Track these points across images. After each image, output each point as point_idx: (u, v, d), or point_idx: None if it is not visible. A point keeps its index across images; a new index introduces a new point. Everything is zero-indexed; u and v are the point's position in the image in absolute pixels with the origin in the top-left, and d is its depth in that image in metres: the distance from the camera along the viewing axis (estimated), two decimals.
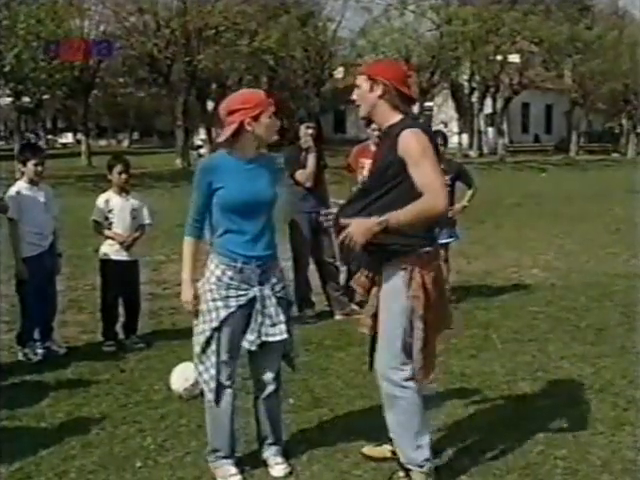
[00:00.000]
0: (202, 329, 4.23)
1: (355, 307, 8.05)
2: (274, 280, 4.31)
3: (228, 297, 4.20)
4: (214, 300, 4.20)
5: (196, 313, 4.25)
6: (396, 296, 4.08)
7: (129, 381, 6.13)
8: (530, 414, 5.22)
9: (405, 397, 4.13)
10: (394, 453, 4.48)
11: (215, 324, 4.19)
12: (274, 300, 4.27)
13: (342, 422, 5.16)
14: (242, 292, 4.21)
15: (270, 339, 4.26)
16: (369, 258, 4.21)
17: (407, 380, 4.11)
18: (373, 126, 7.99)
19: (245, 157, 4.26)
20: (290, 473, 4.40)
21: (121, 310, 7.29)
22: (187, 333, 7.24)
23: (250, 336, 4.25)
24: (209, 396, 4.30)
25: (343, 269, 8.32)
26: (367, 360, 4.47)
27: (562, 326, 7.50)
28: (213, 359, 4.23)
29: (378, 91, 4.09)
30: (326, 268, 8.04)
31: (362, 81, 4.15)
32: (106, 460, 4.65)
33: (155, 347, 7.06)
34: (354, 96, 4.20)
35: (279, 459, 4.48)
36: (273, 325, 4.26)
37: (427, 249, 4.07)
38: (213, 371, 4.24)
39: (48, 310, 6.93)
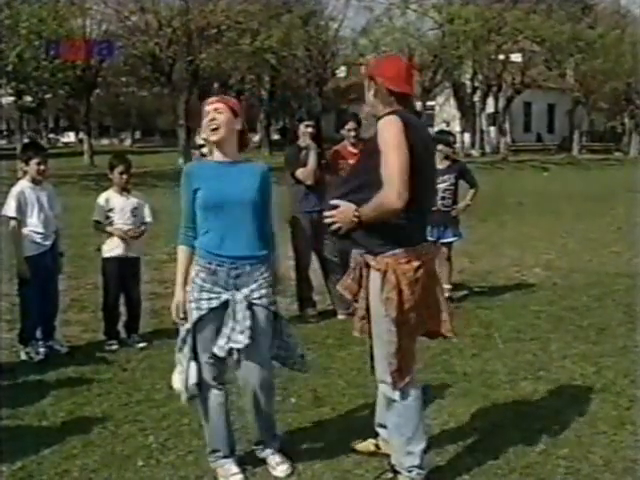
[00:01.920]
0: (180, 332, 4.30)
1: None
2: (253, 286, 4.24)
3: (200, 299, 4.21)
4: (189, 302, 4.24)
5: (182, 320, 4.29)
6: (376, 300, 4.04)
7: (131, 380, 6.14)
8: (532, 413, 5.22)
9: (402, 401, 4.11)
10: (378, 447, 4.55)
11: (188, 326, 4.23)
12: (244, 305, 4.19)
13: (344, 421, 5.16)
14: (214, 295, 4.20)
15: (235, 345, 4.19)
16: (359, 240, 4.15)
17: (405, 385, 4.09)
18: (349, 125, 8.02)
19: (221, 160, 4.29)
20: (292, 472, 4.41)
21: (122, 309, 7.30)
22: None
23: (220, 341, 4.21)
24: (183, 397, 4.33)
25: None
26: (369, 362, 4.47)
27: (564, 325, 7.50)
28: (187, 360, 4.26)
29: (372, 90, 4.11)
30: (329, 266, 8.04)
31: (365, 80, 4.17)
32: (108, 459, 4.66)
33: (157, 346, 7.06)
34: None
35: (278, 459, 4.48)
36: (241, 332, 4.18)
37: (405, 248, 3.96)
38: (191, 372, 4.26)
39: (50, 309, 6.94)
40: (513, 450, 4.59)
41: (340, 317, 7.96)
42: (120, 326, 7.25)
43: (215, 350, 4.23)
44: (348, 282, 4.27)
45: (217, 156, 4.31)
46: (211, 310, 4.19)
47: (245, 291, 4.21)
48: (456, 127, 45.04)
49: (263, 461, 4.50)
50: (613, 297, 8.67)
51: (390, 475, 4.25)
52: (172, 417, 5.29)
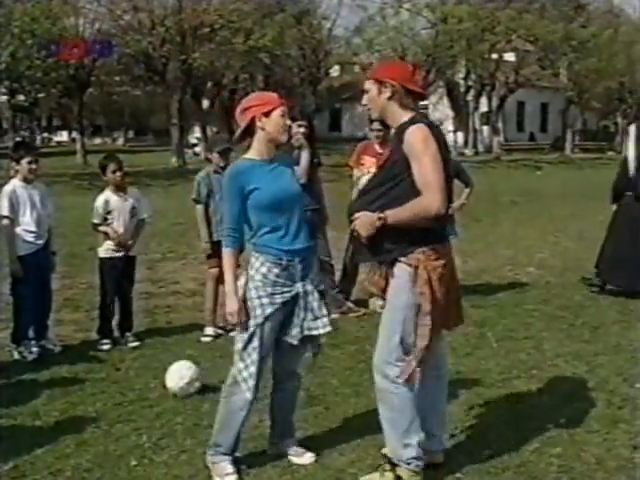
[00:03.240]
0: (247, 325, 4.24)
1: (351, 305, 8.05)
2: (313, 275, 4.41)
3: (274, 294, 4.25)
4: (259, 297, 4.24)
5: (241, 325, 4.24)
6: (399, 292, 4.09)
7: (124, 379, 6.13)
8: (525, 412, 5.23)
9: (398, 394, 4.13)
10: None
11: (260, 320, 4.22)
12: (317, 295, 4.38)
13: (337, 420, 5.15)
14: (287, 289, 4.28)
15: (314, 332, 4.37)
16: (377, 257, 4.23)
17: (412, 378, 4.11)
18: (373, 126, 8.00)
19: (264, 158, 4.32)
20: (288, 470, 4.41)
21: (115, 308, 7.27)
22: (182, 331, 7.30)
23: (293, 331, 4.33)
24: (247, 395, 4.29)
25: (339, 267, 8.33)
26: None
27: (557, 324, 7.51)
28: (254, 356, 4.26)
29: (387, 93, 4.13)
30: (322, 266, 8.01)
31: (370, 85, 4.19)
32: (101, 458, 4.65)
33: (150, 345, 7.05)
34: (364, 101, 4.25)
35: (301, 448, 4.60)
36: (315, 319, 4.36)
37: (433, 246, 4.06)
38: (253, 368, 4.26)
39: (43, 309, 6.92)
40: (506, 449, 4.59)
41: (333, 316, 7.92)
42: (113, 325, 7.23)
43: (288, 339, 4.33)
44: (375, 278, 4.31)
45: (257, 154, 4.32)
46: (283, 304, 4.27)
47: (309, 280, 4.36)
48: (449, 126, 45.13)
49: (258, 462, 4.49)
50: (606, 296, 8.67)
51: (388, 467, 4.24)
52: (165, 416, 5.28)
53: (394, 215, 4.00)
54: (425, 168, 3.94)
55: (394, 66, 4.47)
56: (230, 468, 4.38)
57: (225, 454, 4.42)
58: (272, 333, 4.30)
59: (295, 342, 4.35)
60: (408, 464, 4.17)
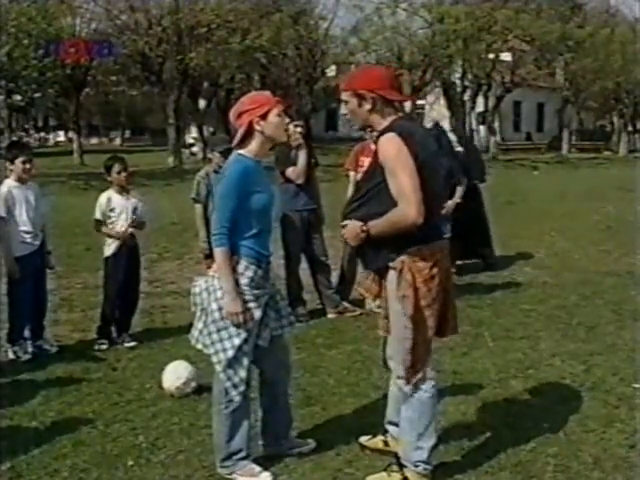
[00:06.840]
0: (236, 332, 4.18)
1: (347, 305, 8.05)
2: (273, 275, 4.50)
3: (259, 297, 4.25)
4: (247, 302, 4.19)
5: (238, 324, 4.17)
6: (392, 298, 4.09)
7: (121, 379, 6.13)
8: (521, 412, 5.24)
9: (418, 397, 4.15)
10: (386, 444, 4.55)
11: (251, 325, 4.21)
12: (281, 295, 4.51)
13: (334, 420, 5.16)
14: (266, 291, 4.31)
15: (279, 332, 4.42)
16: (367, 259, 4.22)
17: (418, 380, 4.12)
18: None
19: (259, 159, 4.33)
20: (285, 470, 4.41)
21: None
22: (179, 331, 7.29)
23: (264, 332, 4.33)
24: (237, 399, 4.27)
25: (335, 267, 8.33)
26: (382, 357, 4.54)
27: (553, 324, 7.51)
28: (245, 362, 4.25)
29: (367, 105, 4.06)
30: (318, 266, 8.04)
31: (349, 97, 4.11)
32: (98, 459, 4.65)
33: (147, 345, 7.04)
34: (344, 111, 4.21)
35: (300, 439, 4.70)
36: (281, 318, 4.42)
37: (419, 246, 4.00)
38: (244, 374, 4.25)
39: (39, 309, 6.91)
40: (503, 448, 4.60)
41: (330, 316, 7.96)
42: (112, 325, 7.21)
43: (260, 342, 4.33)
44: (367, 283, 4.31)
45: (254, 154, 4.29)
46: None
47: (272, 282, 4.44)
48: (446, 126, 45.01)
49: (257, 463, 4.47)
50: (602, 295, 8.68)
51: (395, 468, 4.25)
52: (162, 416, 5.28)
53: (374, 227, 3.97)
54: (397, 178, 3.88)
55: (369, 74, 4.28)
56: (258, 467, 4.37)
57: (245, 457, 4.38)
58: (253, 335, 4.28)
59: (266, 344, 4.34)
60: (416, 466, 4.18)
